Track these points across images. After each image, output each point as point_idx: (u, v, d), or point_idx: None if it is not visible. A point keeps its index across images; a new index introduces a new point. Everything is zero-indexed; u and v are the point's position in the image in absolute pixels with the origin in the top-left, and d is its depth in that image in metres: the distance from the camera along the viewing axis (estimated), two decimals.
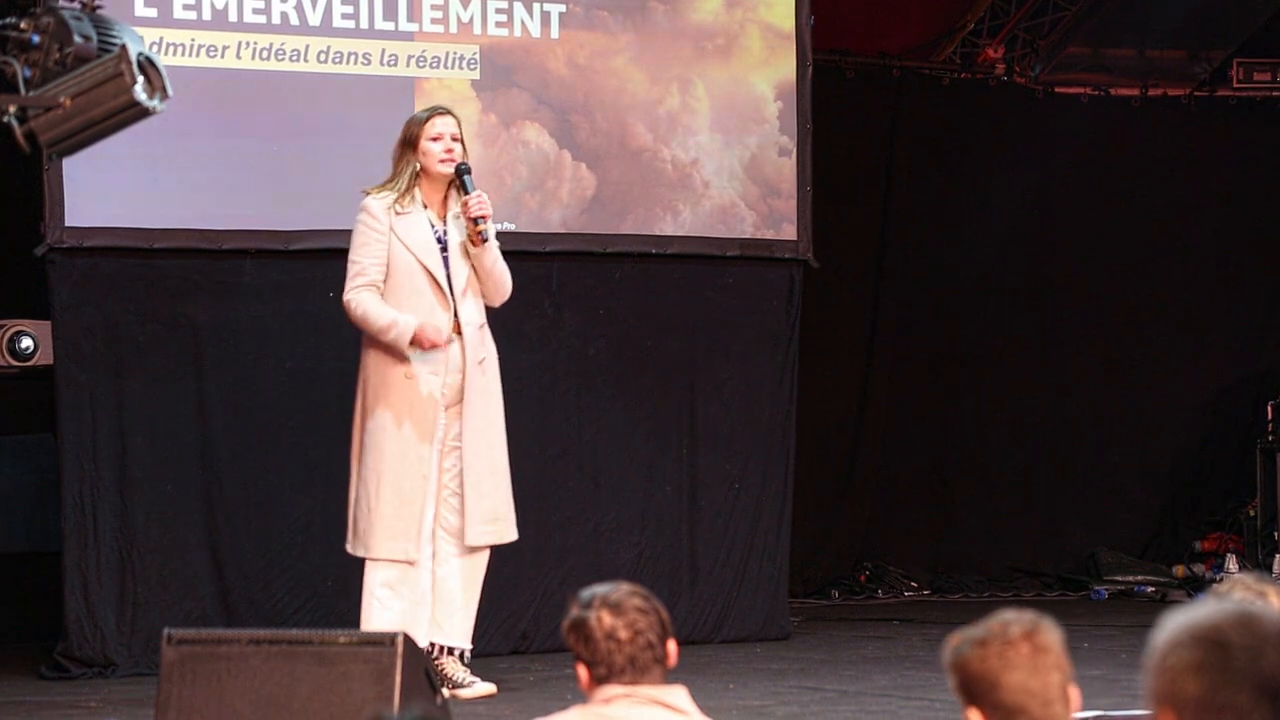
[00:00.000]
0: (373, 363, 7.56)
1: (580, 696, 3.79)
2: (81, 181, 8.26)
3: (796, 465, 9.69)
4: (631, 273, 9.33)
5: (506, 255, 7.73)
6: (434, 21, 8.86)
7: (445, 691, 6.51)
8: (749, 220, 9.45)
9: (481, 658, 8.68)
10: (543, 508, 9.08)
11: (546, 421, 9.15)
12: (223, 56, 8.51)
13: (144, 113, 4.36)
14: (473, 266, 7.58)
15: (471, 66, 8.94)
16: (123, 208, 8.42)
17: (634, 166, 9.26)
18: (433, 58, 8.86)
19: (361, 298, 7.49)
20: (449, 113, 7.65)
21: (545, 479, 9.12)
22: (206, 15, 8.49)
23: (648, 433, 9.36)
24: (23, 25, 4.28)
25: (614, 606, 3.70)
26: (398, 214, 7.51)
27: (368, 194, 7.58)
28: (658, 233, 9.31)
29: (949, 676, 3.20)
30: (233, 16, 8.52)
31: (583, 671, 3.73)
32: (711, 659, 8.74)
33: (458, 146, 7.58)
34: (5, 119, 4.29)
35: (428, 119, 7.58)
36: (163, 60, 4.58)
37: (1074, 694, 3.18)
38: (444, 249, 7.55)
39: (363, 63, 8.72)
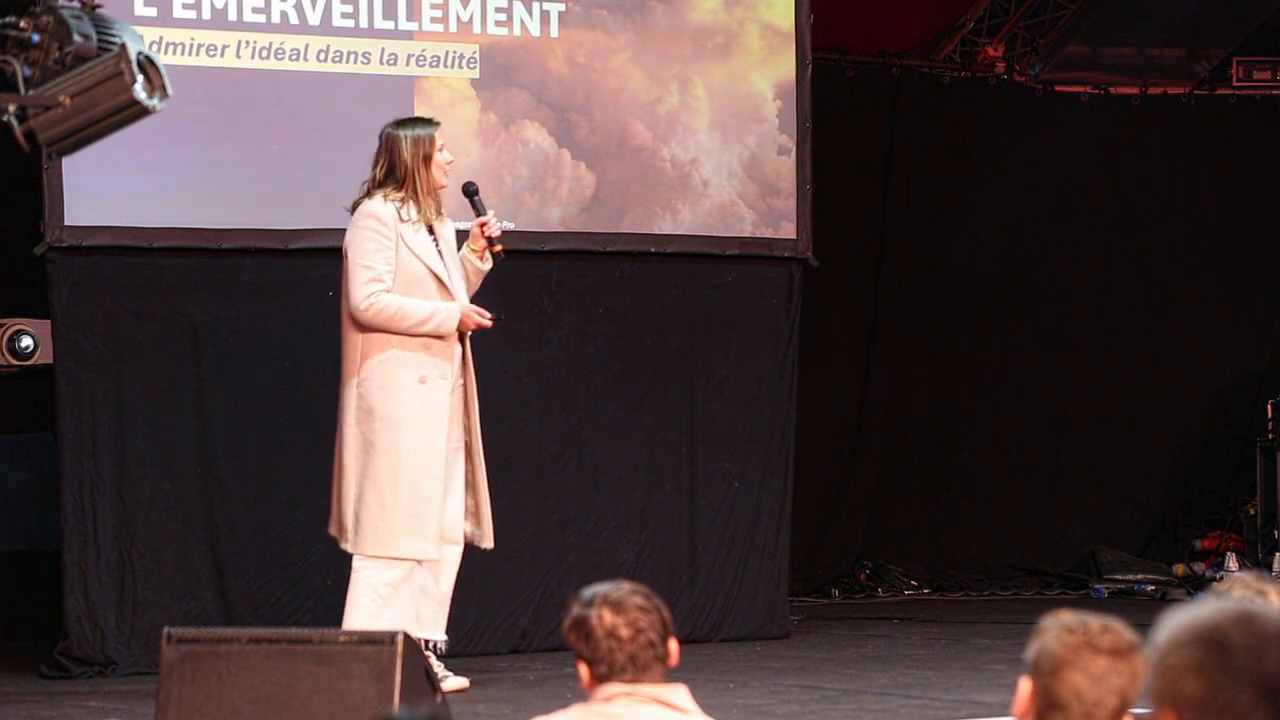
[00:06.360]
0: (379, 365, 7.53)
1: (581, 695, 3.79)
2: (81, 181, 8.26)
3: (796, 464, 9.69)
4: (631, 271, 9.32)
5: (506, 253, 7.82)
6: (433, 20, 8.85)
7: None
8: (748, 219, 9.44)
9: (481, 656, 8.69)
10: (542, 506, 9.08)
11: (546, 420, 9.15)
12: (222, 56, 8.51)
13: (143, 111, 4.36)
14: (466, 277, 7.73)
15: (471, 65, 8.94)
16: (122, 207, 8.42)
17: (633, 165, 9.26)
18: (432, 57, 8.85)
19: (389, 297, 7.50)
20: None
21: (544, 477, 9.12)
22: (206, 14, 8.48)
23: (647, 431, 9.36)
24: (22, 24, 4.28)
25: (615, 605, 3.70)
26: (403, 221, 7.54)
27: (370, 197, 7.58)
28: (657, 231, 9.31)
29: (1035, 638, 3.07)
30: (232, 16, 8.52)
31: (583, 670, 3.73)
32: (712, 657, 8.74)
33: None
34: (5, 118, 4.29)
35: (433, 135, 7.60)
36: (162, 59, 4.58)
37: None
38: (441, 256, 7.62)
39: (362, 62, 8.72)
